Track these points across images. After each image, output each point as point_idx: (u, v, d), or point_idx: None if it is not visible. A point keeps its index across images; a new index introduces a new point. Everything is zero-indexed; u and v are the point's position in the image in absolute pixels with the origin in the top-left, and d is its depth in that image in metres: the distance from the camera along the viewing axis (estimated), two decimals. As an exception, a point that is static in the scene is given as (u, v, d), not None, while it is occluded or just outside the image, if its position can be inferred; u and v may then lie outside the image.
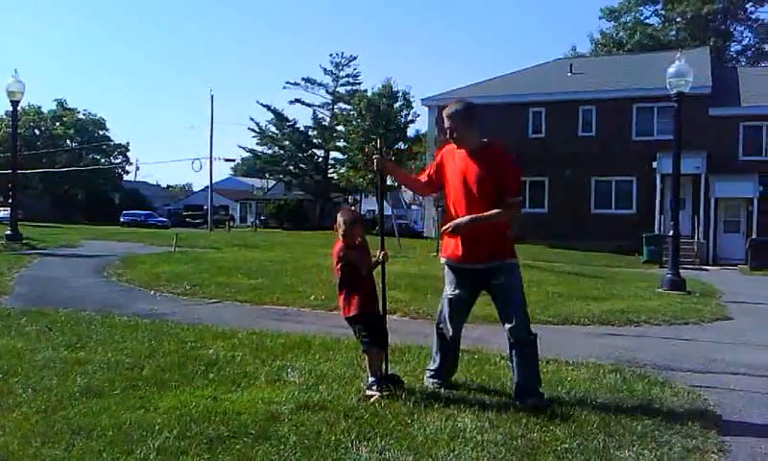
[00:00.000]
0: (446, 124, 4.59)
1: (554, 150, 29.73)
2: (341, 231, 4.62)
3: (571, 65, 34.81)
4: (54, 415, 3.90)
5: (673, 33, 54.44)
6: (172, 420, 3.84)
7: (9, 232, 19.88)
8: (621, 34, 56.35)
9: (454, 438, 3.74)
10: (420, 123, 58.77)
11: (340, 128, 53.09)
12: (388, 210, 44.72)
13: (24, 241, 19.70)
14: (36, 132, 60.89)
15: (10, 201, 23.27)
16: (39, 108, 62.79)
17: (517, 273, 4.62)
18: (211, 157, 53.18)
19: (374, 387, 4.48)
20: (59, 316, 7.02)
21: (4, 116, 54.51)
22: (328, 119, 58.06)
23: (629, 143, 29.11)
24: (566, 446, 3.69)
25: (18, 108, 21.81)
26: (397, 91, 42.87)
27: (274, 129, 59.16)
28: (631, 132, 29.48)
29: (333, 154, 58.05)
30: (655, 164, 26.39)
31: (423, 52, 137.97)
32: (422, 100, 34.58)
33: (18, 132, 25.31)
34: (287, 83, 61.56)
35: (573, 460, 3.54)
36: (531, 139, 30.83)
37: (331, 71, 57.88)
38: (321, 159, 59.18)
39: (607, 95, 29.72)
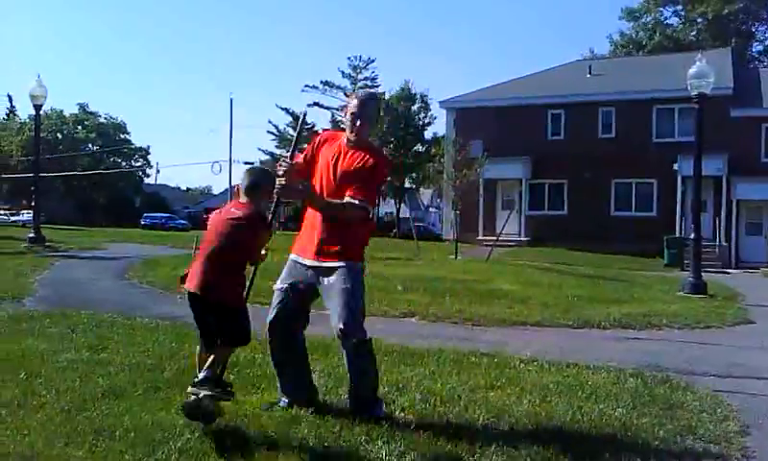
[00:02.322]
0: (356, 109, 4.18)
1: (573, 152, 29.53)
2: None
3: (590, 67, 34.57)
4: (77, 416, 3.94)
5: (694, 33, 53.86)
6: (193, 422, 3.87)
7: (32, 235, 20.13)
8: (641, 34, 55.86)
9: (474, 442, 3.73)
10: (439, 125, 58.71)
11: (358, 131, 53.15)
12: (406, 212, 44.64)
13: (47, 244, 19.93)
14: (59, 135, 61.60)
15: (32, 204, 23.52)
16: (62, 111, 63.59)
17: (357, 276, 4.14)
18: (231, 160, 53.62)
19: (206, 385, 3.75)
20: (81, 318, 7.09)
21: (27, 120, 55.21)
22: (346, 122, 58.23)
23: (649, 145, 28.83)
24: (588, 450, 3.66)
25: (41, 112, 22.09)
26: (415, 94, 42.98)
27: (292, 131, 59.45)
28: (651, 133, 29.20)
29: (351, 156, 58.21)
30: (676, 166, 26.14)
31: (441, 54, 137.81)
32: (441, 102, 34.54)
33: (41, 135, 25.60)
34: (305, 86, 61.66)
35: (594, 465, 3.51)
36: (550, 141, 30.65)
37: (349, 74, 57.90)
38: (338, 162, 59.32)
39: (627, 97, 29.44)
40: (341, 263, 4.06)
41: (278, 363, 4.32)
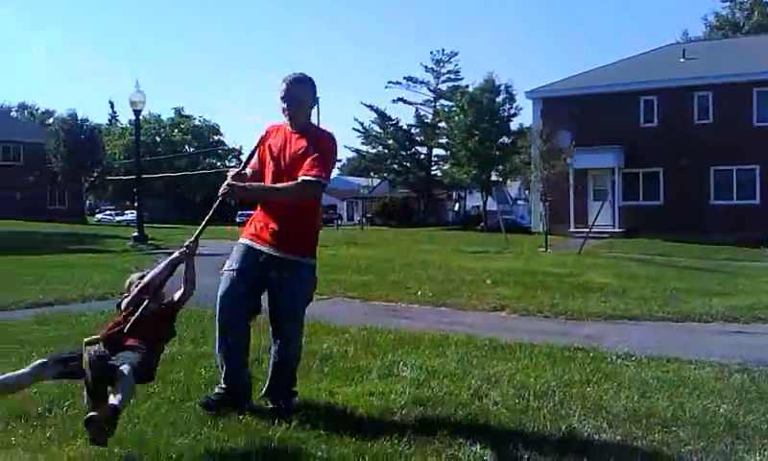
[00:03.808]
0: (282, 93, 4.07)
1: (668, 139, 28.37)
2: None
3: (684, 50, 33.15)
4: (182, 405, 4.13)
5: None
6: (293, 412, 3.99)
7: (136, 234, 21.27)
8: (737, 15, 52.99)
9: (571, 437, 3.67)
10: (524, 116, 57.68)
11: (442, 125, 53.07)
12: (493, 205, 44.12)
13: (149, 241, 21.01)
14: (157, 139, 64.58)
15: (135, 204, 24.82)
16: (159, 116, 66.61)
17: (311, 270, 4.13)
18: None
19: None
20: (184, 312, 7.42)
21: (128, 125, 58.15)
22: (431, 116, 58.16)
23: (750, 129, 27.36)
24: (691, 448, 3.54)
25: (140, 116, 23.24)
26: (500, 85, 42.33)
27: (377, 128, 60.01)
28: (752, 117, 27.71)
29: (436, 151, 58.25)
30: (781, 150, 24.68)
31: (526, 44, 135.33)
32: (526, 93, 33.97)
33: (141, 139, 26.91)
34: (389, 82, 62.27)
35: (699, 463, 3.38)
36: (643, 129, 29.60)
37: (432, 68, 57.92)
38: (424, 157, 59.44)
39: (724, 80, 28.04)
40: (296, 258, 4.03)
41: (227, 350, 4.13)
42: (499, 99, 42.32)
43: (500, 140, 42.74)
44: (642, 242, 24.08)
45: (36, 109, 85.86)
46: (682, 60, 31.69)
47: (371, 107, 58.95)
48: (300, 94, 4.07)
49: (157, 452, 3.34)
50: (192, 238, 4.04)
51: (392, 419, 3.95)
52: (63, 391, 4.34)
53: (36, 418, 3.87)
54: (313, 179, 3.89)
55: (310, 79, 4.17)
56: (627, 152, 29.58)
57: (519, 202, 64.08)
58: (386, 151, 60.40)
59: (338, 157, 4.11)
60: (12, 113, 78.68)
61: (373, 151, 61.75)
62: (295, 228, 4.02)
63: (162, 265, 3.97)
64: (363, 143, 62.05)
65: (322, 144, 4.01)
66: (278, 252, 3.99)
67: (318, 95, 4.25)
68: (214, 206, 4.26)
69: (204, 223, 4.15)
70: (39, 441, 3.51)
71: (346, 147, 61.74)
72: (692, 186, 28.22)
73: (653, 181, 29.58)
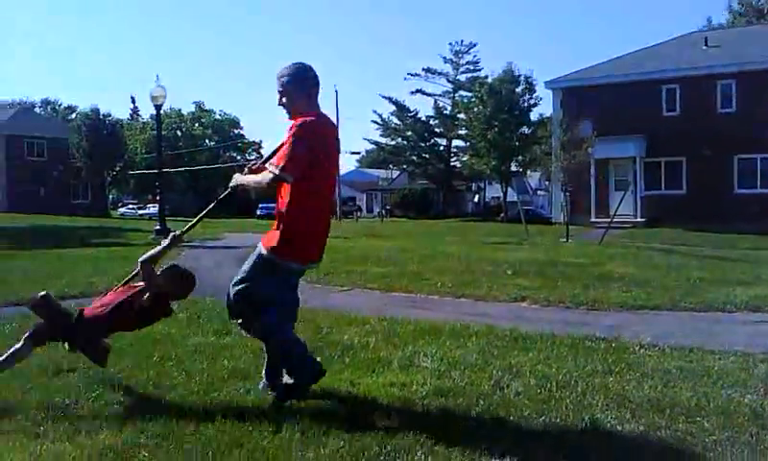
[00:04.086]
0: (277, 85, 4.10)
1: (690, 128, 28.02)
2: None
3: (706, 38, 32.64)
4: (206, 396, 4.18)
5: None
6: (314, 403, 4.02)
7: (158, 227, 21.44)
8: (762, 1, 52.07)
9: (595, 427, 3.66)
10: (544, 106, 57.38)
11: (461, 116, 52.84)
12: (513, 196, 43.90)
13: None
14: (178, 133, 65.06)
15: (157, 198, 25.08)
16: (179, 110, 67.06)
17: (264, 265, 4.05)
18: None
19: None
20: (206, 304, 7.48)
21: (149, 120, 58.63)
22: (450, 108, 57.92)
23: (775, 118, 26.91)
24: (715, 438, 3.51)
25: (161, 111, 23.41)
26: (519, 76, 42.01)
27: (396, 120, 59.92)
28: (777, 105, 27.25)
29: (455, 142, 58.06)
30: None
31: (546, 34, 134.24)
32: (546, 83, 33.70)
33: (162, 133, 27.10)
34: (408, 74, 62.20)
35: (723, 453, 3.36)
36: (665, 118, 29.27)
37: (451, 60, 57.66)
38: (443, 148, 59.28)
39: (748, 68, 27.58)
40: (259, 246, 4.14)
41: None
42: (519, 89, 42.02)
43: (520, 131, 42.48)
44: (664, 232, 23.83)
45: (59, 105, 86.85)
46: (704, 47, 31.24)
47: (389, 99, 58.94)
48: (287, 83, 4.07)
49: (183, 442, 3.39)
50: (181, 231, 4.50)
51: (413, 409, 3.97)
52: (90, 383, 4.42)
53: (63, 409, 3.94)
54: (271, 168, 3.98)
55: (294, 66, 4.10)
56: (649, 141, 29.26)
57: (540, 192, 63.74)
58: (405, 142, 60.31)
59: (307, 141, 3.92)
60: (35, 109, 79.77)
61: (392, 143, 61.69)
62: (277, 223, 4.08)
63: (155, 249, 4.41)
64: (382, 135, 62.10)
65: (287, 136, 4.00)
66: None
67: (313, 82, 4.12)
68: (211, 205, 4.47)
69: (197, 219, 4.62)
70: (67, 432, 3.58)
71: (364, 139, 61.84)
72: (715, 175, 27.88)
73: (675, 170, 29.25)
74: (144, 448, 3.32)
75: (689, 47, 31.80)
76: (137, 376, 4.64)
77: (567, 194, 25.04)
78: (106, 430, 3.57)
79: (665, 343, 5.68)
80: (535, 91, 42.06)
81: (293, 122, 4.03)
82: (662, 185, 29.57)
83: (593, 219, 27.79)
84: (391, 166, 67.59)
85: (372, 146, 66.09)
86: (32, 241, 18.65)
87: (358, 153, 76.87)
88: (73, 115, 68.80)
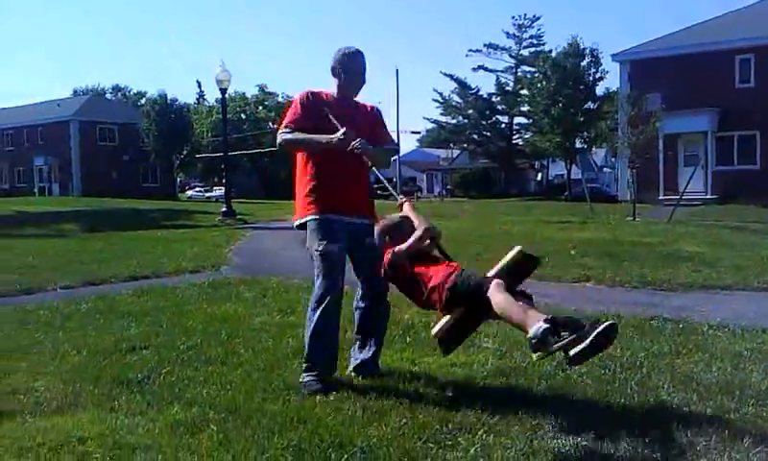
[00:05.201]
0: (365, 75, 4.41)
1: (765, 100, 26.75)
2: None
3: (785, 4, 31.00)
4: (271, 373, 4.30)
5: None
6: (376, 381, 4.09)
7: (224, 209, 21.98)
8: None
9: (661, 410, 3.60)
10: (611, 80, 55.60)
11: (524, 92, 51.90)
12: (577, 174, 42.98)
13: (238, 217, 21.70)
14: (243, 116, 66.11)
15: (223, 180, 25.64)
16: (244, 94, 68.10)
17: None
18: (398, 131, 54.42)
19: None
20: (271, 283, 7.66)
21: (215, 104, 59.81)
22: (512, 84, 56.89)
23: None
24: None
25: (226, 95, 23.86)
26: (584, 49, 40.91)
27: (457, 98, 59.26)
28: None
29: (517, 119, 56.99)
30: None
31: (611, 5, 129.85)
32: (613, 56, 32.69)
33: (227, 117, 27.62)
34: (469, 50, 61.35)
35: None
36: (738, 89, 28.06)
37: (514, 34, 56.49)
38: (505, 126, 58.34)
39: (833, 33, 26.13)
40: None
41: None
42: (584, 63, 40.96)
43: (585, 106, 41.46)
44: (737, 209, 22.92)
45: (129, 91, 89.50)
46: (782, 15, 29.72)
47: (450, 76, 58.17)
48: (332, 68, 4.34)
49: (249, 417, 3.50)
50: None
51: (474, 389, 3.98)
52: (161, 360, 4.60)
53: (136, 384, 4.12)
54: (394, 146, 4.58)
55: (339, 51, 4.32)
56: (721, 114, 28.13)
57: (605, 169, 62.11)
58: (466, 121, 59.58)
59: (295, 109, 4.27)
60: (106, 95, 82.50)
61: (453, 121, 61.04)
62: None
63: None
64: (442, 114, 61.49)
65: (377, 118, 4.47)
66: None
67: (342, 64, 4.27)
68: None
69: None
70: (140, 406, 3.74)
71: (425, 118, 61.47)
72: (793, 149, 26.64)
73: (749, 144, 28.06)
74: (212, 422, 3.44)
75: (765, 15, 30.27)
76: (206, 353, 4.80)
77: (634, 171, 24.33)
78: (176, 405, 3.72)
79: (736, 324, 5.51)
80: (601, 65, 40.96)
81: (363, 103, 4.44)
82: (735, 161, 28.43)
83: (661, 197, 26.98)
84: (451, 146, 67.00)
85: (433, 125, 65.64)
86: (107, 224, 19.41)
87: (418, 132, 76.73)
88: (142, 101, 70.82)
